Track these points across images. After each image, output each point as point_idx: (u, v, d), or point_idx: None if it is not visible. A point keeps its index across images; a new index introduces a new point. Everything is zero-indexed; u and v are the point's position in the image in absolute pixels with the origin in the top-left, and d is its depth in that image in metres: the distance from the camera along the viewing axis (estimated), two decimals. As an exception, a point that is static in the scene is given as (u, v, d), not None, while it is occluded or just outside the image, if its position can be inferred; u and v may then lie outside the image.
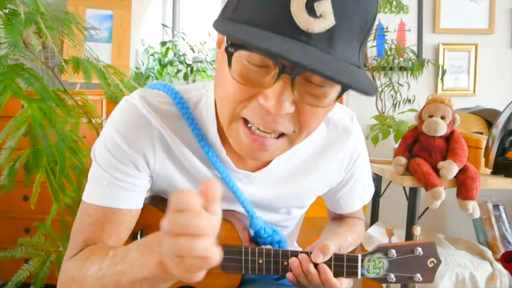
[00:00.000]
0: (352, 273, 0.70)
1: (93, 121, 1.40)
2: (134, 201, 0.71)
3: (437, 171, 1.40)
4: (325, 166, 0.79)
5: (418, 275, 0.70)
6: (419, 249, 0.70)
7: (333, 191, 0.86)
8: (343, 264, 0.70)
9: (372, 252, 0.71)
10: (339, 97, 0.57)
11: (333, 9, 0.50)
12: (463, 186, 1.37)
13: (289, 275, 0.70)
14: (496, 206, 1.89)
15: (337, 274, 0.69)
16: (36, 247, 1.39)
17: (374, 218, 2.16)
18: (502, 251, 1.79)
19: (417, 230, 0.75)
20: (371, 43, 2.28)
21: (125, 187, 0.69)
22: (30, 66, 1.23)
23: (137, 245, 0.58)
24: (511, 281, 1.57)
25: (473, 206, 1.36)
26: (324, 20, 0.50)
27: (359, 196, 0.89)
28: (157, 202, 0.78)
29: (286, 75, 0.52)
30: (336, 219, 0.95)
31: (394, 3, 2.11)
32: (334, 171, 0.81)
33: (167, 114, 0.70)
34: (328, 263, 0.69)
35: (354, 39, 0.54)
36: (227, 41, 0.56)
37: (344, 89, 0.56)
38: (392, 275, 0.70)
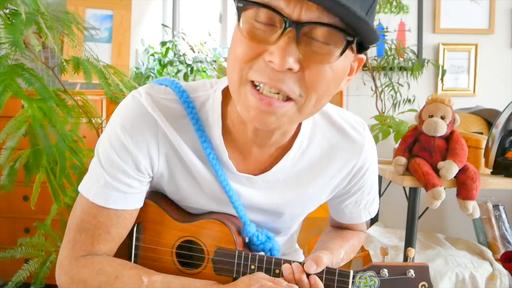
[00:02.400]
0: (342, 287, 0.70)
1: (93, 121, 1.40)
2: (131, 203, 0.72)
3: (437, 171, 1.40)
4: (332, 174, 0.77)
5: None
6: (412, 271, 0.70)
7: (338, 200, 0.85)
8: (335, 279, 0.70)
9: (365, 270, 0.71)
10: (343, 52, 0.56)
11: None
12: (463, 186, 1.37)
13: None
14: (496, 206, 1.89)
15: None
16: (36, 247, 1.39)
17: (374, 218, 2.16)
18: (502, 251, 1.79)
19: (412, 252, 0.74)
20: (371, 43, 2.28)
21: (121, 189, 0.70)
22: (30, 66, 1.22)
23: (179, 286, 0.66)
24: (511, 281, 1.57)
25: (473, 206, 1.36)
26: None
27: (366, 209, 0.87)
28: (156, 197, 0.78)
29: (291, 29, 0.53)
30: (333, 228, 0.94)
31: (394, 3, 2.11)
32: (340, 180, 0.79)
33: (172, 113, 0.70)
34: (319, 275, 0.69)
35: (357, 3, 0.54)
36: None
37: (348, 42, 0.55)
38: None
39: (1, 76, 1.12)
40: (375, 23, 2.29)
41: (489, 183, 1.47)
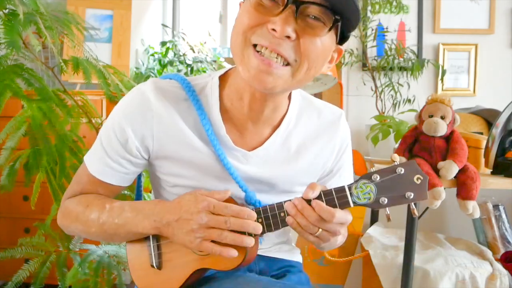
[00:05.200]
0: (344, 203, 0.72)
1: (93, 121, 1.40)
2: (121, 180, 0.83)
3: (437, 171, 1.39)
4: (317, 151, 0.87)
5: (409, 193, 0.71)
6: (400, 168, 0.71)
7: (321, 182, 0.91)
8: (333, 197, 0.72)
9: (356, 181, 0.73)
10: (331, 28, 0.68)
11: None
12: (463, 186, 1.37)
13: (288, 219, 0.73)
14: (496, 206, 1.89)
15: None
16: (36, 247, 1.39)
17: (374, 218, 2.16)
18: (502, 251, 1.79)
19: (396, 157, 0.75)
20: (371, 43, 2.28)
21: (113, 167, 0.80)
22: (30, 66, 1.22)
23: (130, 208, 0.78)
24: (511, 281, 1.57)
25: (473, 206, 1.36)
26: None
27: None
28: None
29: (291, 6, 0.66)
30: None
31: (394, 3, 2.11)
32: (325, 157, 0.88)
33: (174, 96, 0.79)
34: (319, 200, 0.72)
35: None
36: None
37: (336, 20, 0.68)
38: (383, 198, 0.71)
39: (0, 76, 1.13)
40: (375, 23, 2.29)
41: (489, 183, 1.46)
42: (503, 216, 1.90)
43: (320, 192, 0.72)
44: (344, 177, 0.93)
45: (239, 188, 0.80)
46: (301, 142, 0.85)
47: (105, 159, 0.80)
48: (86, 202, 0.82)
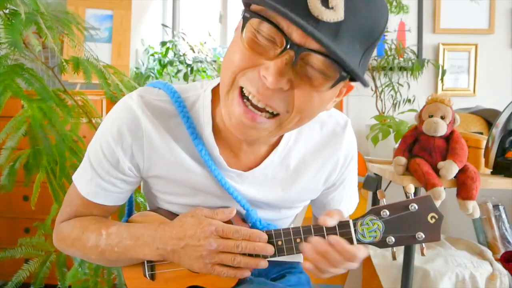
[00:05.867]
0: (347, 240, 0.66)
1: (93, 121, 1.40)
2: (115, 200, 0.78)
3: (437, 171, 1.39)
4: (318, 168, 0.80)
5: (420, 233, 0.65)
6: (414, 205, 0.65)
7: (323, 195, 0.86)
8: (336, 232, 0.66)
9: (364, 216, 0.67)
10: (334, 85, 0.58)
11: (345, 6, 0.54)
12: (463, 186, 1.37)
13: (307, 265, 0.67)
14: (496, 206, 1.89)
15: None
16: (36, 247, 1.39)
17: (374, 218, 2.16)
18: (502, 251, 1.79)
19: (411, 188, 0.68)
20: (371, 43, 2.27)
21: (106, 187, 0.75)
22: (30, 66, 1.22)
23: (128, 234, 0.74)
24: (511, 281, 1.57)
25: (473, 206, 1.36)
26: (335, 13, 0.53)
27: (345, 206, 0.88)
28: (158, 210, 0.82)
29: (291, 51, 0.55)
30: None
31: (394, 3, 2.11)
32: (327, 171, 0.81)
33: (164, 113, 0.73)
34: (321, 234, 0.67)
35: (358, 42, 0.57)
36: (245, 8, 0.59)
37: (341, 77, 0.57)
38: (391, 237, 0.65)
39: (1, 76, 1.12)
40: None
41: (489, 183, 1.46)
42: (503, 216, 1.90)
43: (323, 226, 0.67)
44: (348, 188, 0.87)
45: (241, 207, 0.77)
46: (301, 159, 0.79)
47: (96, 180, 0.75)
48: (81, 227, 0.77)
